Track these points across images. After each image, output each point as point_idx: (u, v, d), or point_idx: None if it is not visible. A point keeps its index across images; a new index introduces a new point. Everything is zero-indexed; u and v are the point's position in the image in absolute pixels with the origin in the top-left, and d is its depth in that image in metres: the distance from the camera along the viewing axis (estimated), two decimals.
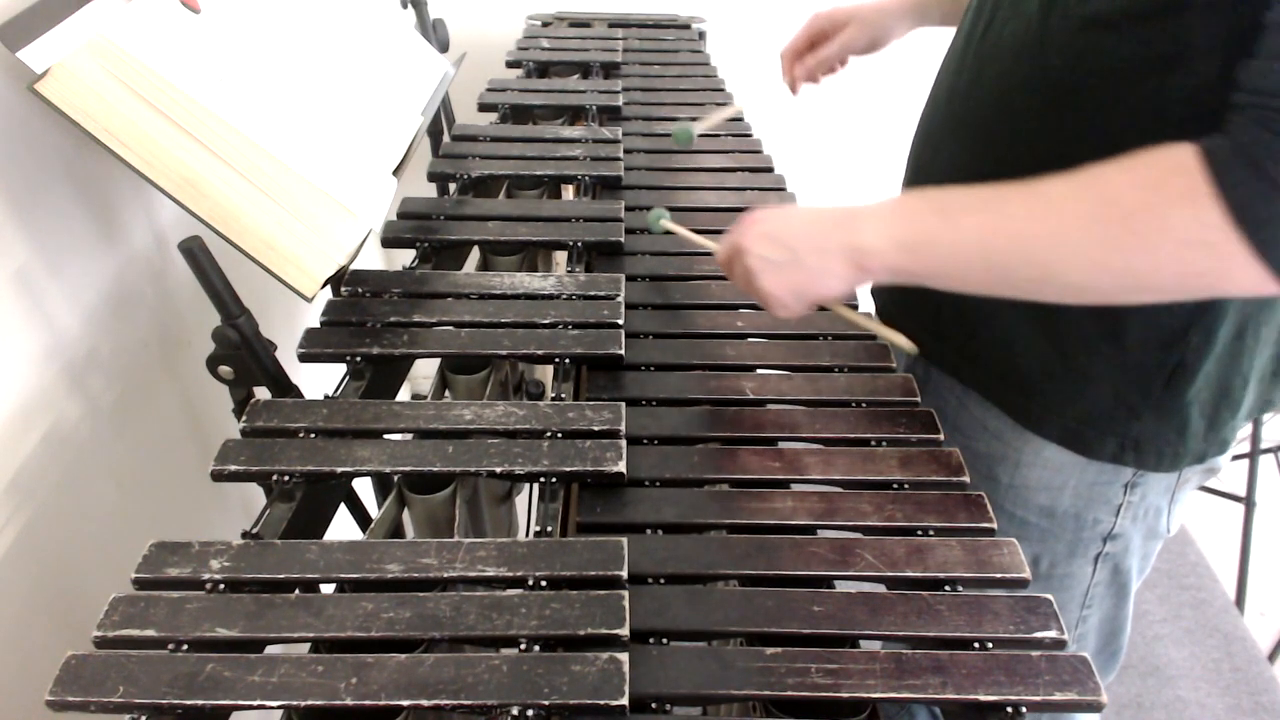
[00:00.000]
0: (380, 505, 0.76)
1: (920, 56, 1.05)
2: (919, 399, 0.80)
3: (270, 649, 0.57)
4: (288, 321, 1.16)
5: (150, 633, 0.56)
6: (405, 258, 0.97)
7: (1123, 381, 0.76)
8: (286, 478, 0.68)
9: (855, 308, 0.86)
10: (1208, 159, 0.54)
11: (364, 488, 0.83)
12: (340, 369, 0.82)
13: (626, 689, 0.53)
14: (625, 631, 0.57)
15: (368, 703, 0.52)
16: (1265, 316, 0.74)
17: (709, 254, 0.97)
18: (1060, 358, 0.78)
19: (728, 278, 0.77)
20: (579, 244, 0.98)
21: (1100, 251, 0.58)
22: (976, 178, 0.77)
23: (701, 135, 1.25)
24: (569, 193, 1.16)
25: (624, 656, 0.55)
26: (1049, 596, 0.61)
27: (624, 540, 0.63)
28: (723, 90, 1.41)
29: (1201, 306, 0.71)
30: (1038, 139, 0.73)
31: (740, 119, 1.29)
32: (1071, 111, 0.70)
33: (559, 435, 0.72)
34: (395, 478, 0.75)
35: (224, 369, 0.77)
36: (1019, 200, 0.61)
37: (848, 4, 1.07)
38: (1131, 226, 0.56)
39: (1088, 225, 0.58)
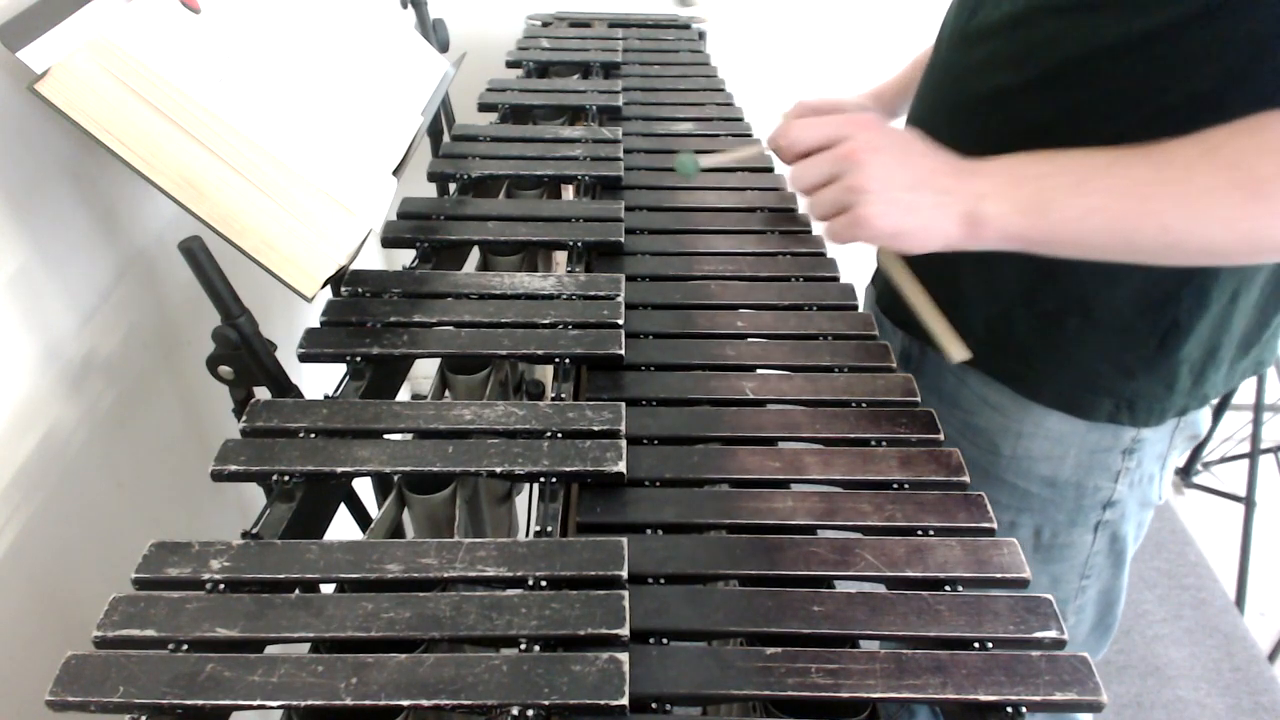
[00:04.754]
0: (380, 505, 0.76)
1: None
2: (919, 399, 0.80)
3: (270, 649, 0.57)
4: (288, 321, 1.16)
5: (150, 633, 0.56)
6: (405, 258, 0.97)
7: (1117, 343, 0.78)
8: (286, 478, 0.68)
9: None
10: None
11: (364, 488, 0.83)
12: (340, 369, 0.82)
13: (626, 689, 0.53)
14: (625, 631, 0.56)
15: (368, 703, 0.52)
16: (1255, 275, 0.75)
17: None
18: (1056, 324, 0.79)
19: (797, 170, 0.69)
20: (579, 244, 0.98)
21: (1234, 217, 0.59)
22: (962, 157, 0.80)
23: (703, 136, 1.24)
24: (569, 193, 1.16)
25: (624, 656, 0.55)
26: (1049, 596, 0.61)
27: (624, 540, 0.62)
28: (723, 90, 1.41)
29: (1194, 267, 0.72)
30: (1021, 117, 0.75)
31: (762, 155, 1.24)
32: (1056, 90, 0.72)
33: (559, 435, 0.72)
34: (395, 478, 0.75)
35: (224, 369, 0.77)
36: (1146, 165, 0.61)
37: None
38: (1266, 192, 0.58)
39: (1220, 190, 0.59)
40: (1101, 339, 0.78)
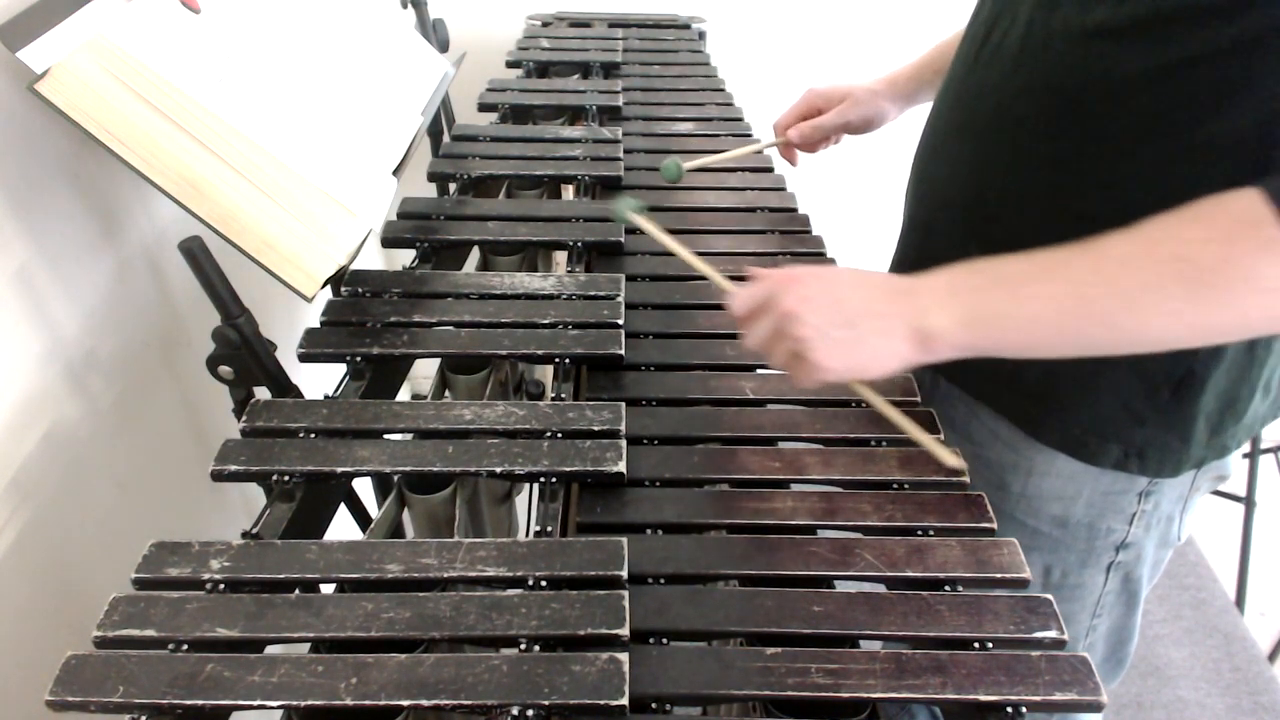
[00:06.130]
0: (380, 505, 0.76)
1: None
2: (919, 399, 0.80)
3: (270, 649, 0.57)
4: (288, 321, 1.16)
5: (150, 633, 0.56)
6: (405, 258, 0.97)
7: (1131, 389, 0.76)
8: (286, 478, 0.68)
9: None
10: (1276, 201, 0.54)
11: (364, 488, 0.83)
12: (340, 369, 0.82)
13: (626, 689, 0.53)
14: (625, 631, 0.57)
15: (368, 703, 0.52)
16: None
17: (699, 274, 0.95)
18: (1070, 367, 0.75)
19: (745, 334, 0.69)
20: (579, 244, 0.98)
21: (1180, 309, 0.57)
22: (978, 184, 0.78)
23: (703, 136, 1.25)
24: (569, 193, 1.16)
25: (624, 656, 0.55)
26: (1049, 596, 0.61)
27: (624, 540, 0.63)
28: (723, 90, 1.41)
29: None
30: (1038, 145, 0.73)
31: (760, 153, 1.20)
32: (1072, 119, 0.70)
33: (559, 435, 0.72)
34: (395, 478, 0.75)
35: (224, 369, 0.77)
36: (1084, 265, 0.60)
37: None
38: (1212, 283, 0.56)
39: (1165, 286, 0.57)
40: (1115, 386, 0.76)
